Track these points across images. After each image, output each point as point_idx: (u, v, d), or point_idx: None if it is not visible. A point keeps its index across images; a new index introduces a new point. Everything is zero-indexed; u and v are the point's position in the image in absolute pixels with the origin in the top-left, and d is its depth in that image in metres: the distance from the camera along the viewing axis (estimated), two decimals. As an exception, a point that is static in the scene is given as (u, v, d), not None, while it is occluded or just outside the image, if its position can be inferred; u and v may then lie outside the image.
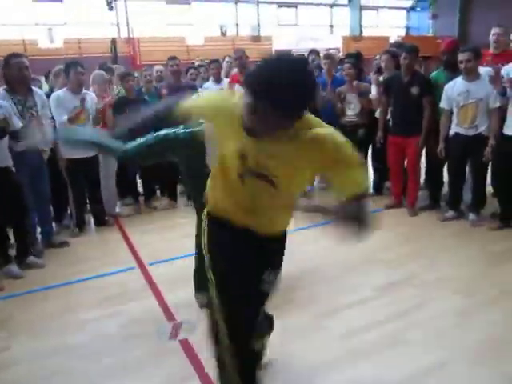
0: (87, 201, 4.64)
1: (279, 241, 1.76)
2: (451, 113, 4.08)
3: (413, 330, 2.58)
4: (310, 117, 1.51)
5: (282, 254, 1.81)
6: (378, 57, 5.37)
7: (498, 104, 3.80)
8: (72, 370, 2.40)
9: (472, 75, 3.88)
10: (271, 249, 1.72)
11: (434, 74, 4.58)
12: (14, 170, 3.48)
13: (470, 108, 3.91)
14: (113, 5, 15.44)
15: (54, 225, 4.33)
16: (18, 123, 3.41)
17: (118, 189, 5.01)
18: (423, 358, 2.33)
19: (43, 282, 3.39)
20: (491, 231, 3.98)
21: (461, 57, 3.86)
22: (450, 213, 4.33)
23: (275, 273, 1.74)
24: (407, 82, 4.34)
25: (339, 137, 1.46)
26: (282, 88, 1.29)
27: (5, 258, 3.53)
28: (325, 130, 1.47)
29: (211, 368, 2.29)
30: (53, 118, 4.04)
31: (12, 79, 3.59)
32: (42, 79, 5.44)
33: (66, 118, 3.99)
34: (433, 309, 2.80)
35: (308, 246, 3.73)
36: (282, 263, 1.80)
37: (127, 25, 15.79)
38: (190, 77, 5.47)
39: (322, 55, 5.67)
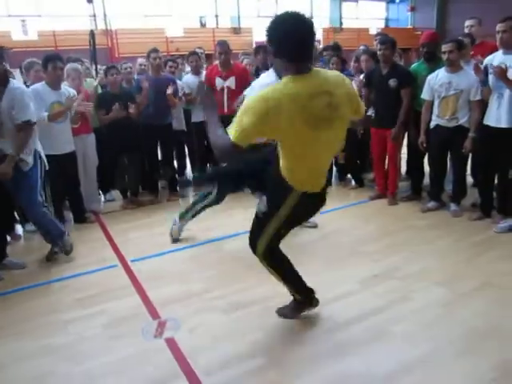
0: (65, 197, 4.53)
1: None
2: (432, 104, 4.11)
3: (398, 323, 2.60)
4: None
5: None
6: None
7: (479, 97, 3.83)
8: (56, 372, 2.34)
9: (454, 66, 3.91)
10: None
11: (414, 65, 4.61)
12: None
13: (451, 100, 3.93)
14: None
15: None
16: None
17: (99, 184, 4.91)
18: (409, 351, 2.35)
19: (23, 282, 3.31)
20: (471, 221, 4.04)
21: (444, 48, 3.88)
22: (432, 203, 4.38)
23: None
24: (386, 75, 4.35)
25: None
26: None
27: None
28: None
29: (197, 366, 2.30)
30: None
31: None
32: (17, 72, 5.27)
33: (45, 114, 3.84)
34: (417, 301, 2.82)
35: (289, 240, 3.71)
36: None
37: (104, 16, 15.47)
38: (169, 69, 5.37)
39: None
